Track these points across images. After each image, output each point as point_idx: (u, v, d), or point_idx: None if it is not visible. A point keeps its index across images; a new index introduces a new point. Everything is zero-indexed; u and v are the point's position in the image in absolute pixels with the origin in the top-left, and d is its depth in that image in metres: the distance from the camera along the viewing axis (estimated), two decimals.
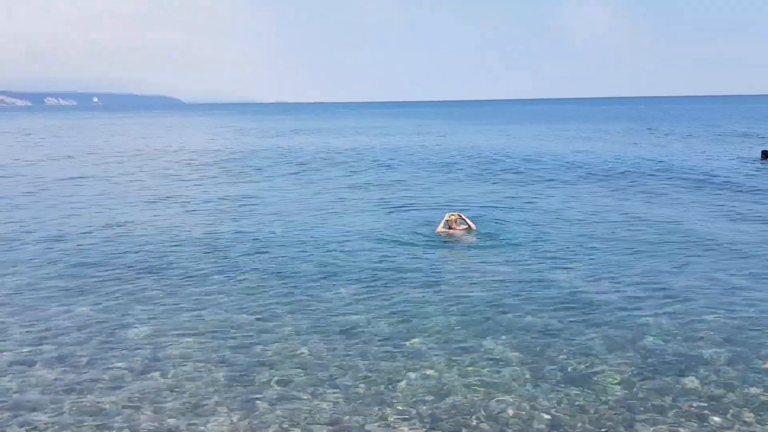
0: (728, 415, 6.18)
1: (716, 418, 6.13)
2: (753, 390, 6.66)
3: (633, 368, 7.18)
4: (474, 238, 13.55)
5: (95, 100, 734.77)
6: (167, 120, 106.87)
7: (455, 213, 14.24)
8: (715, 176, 23.47)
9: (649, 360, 7.38)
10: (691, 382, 6.84)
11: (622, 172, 25.50)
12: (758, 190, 20.29)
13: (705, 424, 6.04)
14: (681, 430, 5.95)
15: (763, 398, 6.50)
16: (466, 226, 14.00)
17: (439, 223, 14.33)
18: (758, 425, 6.01)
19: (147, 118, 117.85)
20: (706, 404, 6.39)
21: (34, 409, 6.55)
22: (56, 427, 6.22)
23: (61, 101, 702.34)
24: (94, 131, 68.26)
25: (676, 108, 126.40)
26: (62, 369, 7.46)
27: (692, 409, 6.30)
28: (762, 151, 28.86)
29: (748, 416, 6.17)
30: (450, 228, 13.88)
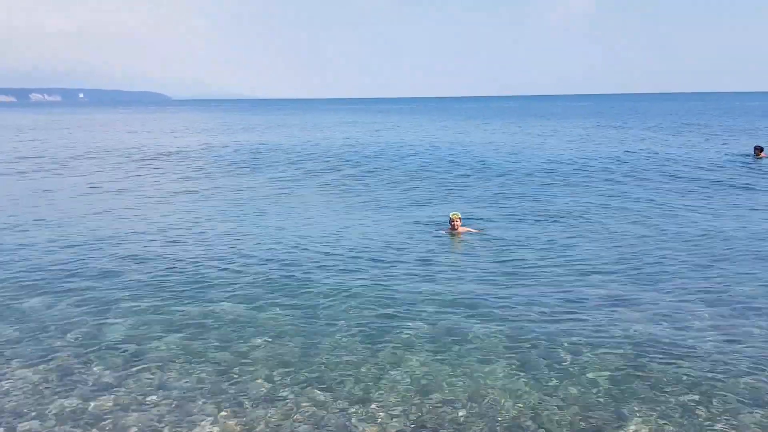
0: (716, 407, 6.20)
1: (704, 410, 6.15)
2: (743, 380, 6.69)
3: (621, 361, 7.19)
4: (472, 236, 13.35)
5: (81, 95, 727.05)
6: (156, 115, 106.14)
7: (456, 213, 13.82)
8: (708, 173, 22.95)
9: (638, 353, 7.40)
10: (679, 374, 6.86)
11: (605, 169, 25.58)
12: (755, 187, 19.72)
13: (693, 415, 6.06)
14: (669, 422, 5.97)
15: (752, 389, 6.53)
16: (470, 228, 13.70)
17: (442, 224, 14.17)
18: (748, 415, 6.04)
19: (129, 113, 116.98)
20: (694, 396, 6.40)
21: (17, 414, 6.45)
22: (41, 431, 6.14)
23: (47, 97, 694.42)
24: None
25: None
26: (45, 371, 7.36)
27: (680, 400, 6.32)
28: (755, 147, 27.32)
29: (737, 407, 6.19)
30: (453, 227, 13.49)
